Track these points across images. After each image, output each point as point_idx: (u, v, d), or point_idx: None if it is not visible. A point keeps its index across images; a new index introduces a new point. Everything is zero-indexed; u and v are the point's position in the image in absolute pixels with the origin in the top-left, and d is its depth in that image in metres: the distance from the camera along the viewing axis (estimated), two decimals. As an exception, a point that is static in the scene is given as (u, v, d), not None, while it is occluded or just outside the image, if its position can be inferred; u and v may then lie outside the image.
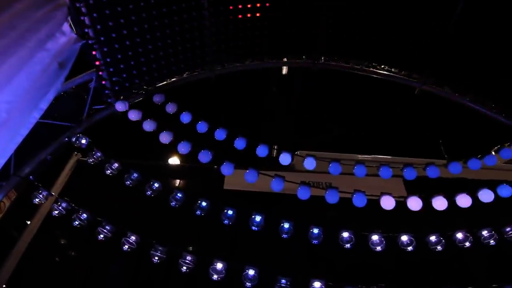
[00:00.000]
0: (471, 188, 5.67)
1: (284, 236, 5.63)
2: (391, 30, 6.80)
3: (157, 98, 6.79)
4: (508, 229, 5.56)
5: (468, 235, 5.52)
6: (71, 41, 5.71)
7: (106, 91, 6.70)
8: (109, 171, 6.30)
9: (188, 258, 5.47)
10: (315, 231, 5.62)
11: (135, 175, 6.27)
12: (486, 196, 5.54)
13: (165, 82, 7.37)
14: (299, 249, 7.04)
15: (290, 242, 5.63)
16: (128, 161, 7.11)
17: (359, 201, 5.46)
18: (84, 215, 5.80)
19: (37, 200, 6.06)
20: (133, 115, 6.48)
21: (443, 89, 7.16)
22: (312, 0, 6.65)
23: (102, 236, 5.71)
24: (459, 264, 7.36)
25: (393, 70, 7.39)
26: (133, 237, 5.68)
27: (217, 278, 5.27)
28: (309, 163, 5.96)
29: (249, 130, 6.87)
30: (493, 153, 6.07)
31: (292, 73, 9.22)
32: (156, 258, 5.52)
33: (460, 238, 5.56)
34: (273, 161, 6.58)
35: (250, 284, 5.17)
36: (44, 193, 6.07)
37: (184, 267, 5.41)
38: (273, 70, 9.10)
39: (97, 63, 6.33)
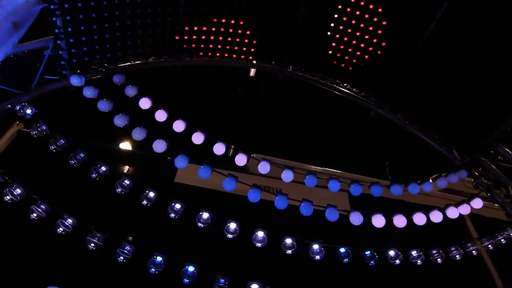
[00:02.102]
0: (408, 210, 6.11)
1: (229, 236, 5.64)
2: (358, 52, 7.11)
3: (117, 79, 6.47)
4: (434, 251, 6.06)
5: (399, 253, 5.93)
6: (31, 2, 5.27)
7: (62, 62, 6.26)
8: (53, 147, 5.90)
9: (127, 248, 5.28)
10: (260, 234, 5.70)
11: (82, 155, 5.94)
12: (419, 219, 6.02)
13: (128, 64, 7.05)
14: (242, 250, 7.07)
15: (234, 242, 5.64)
16: (75, 139, 6.71)
17: (306, 210, 5.64)
18: (18, 190, 5.37)
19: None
20: (89, 92, 6.11)
21: (396, 115, 7.63)
22: (288, 8, 6.76)
23: (35, 215, 5.31)
24: (387, 279, 7.85)
25: (354, 90, 7.73)
26: (69, 220, 5.36)
27: (155, 271, 5.13)
28: (264, 167, 6.03)
29: (209, 126, 6.80)
30: (430, 180, 6.58)
31: (259, 76, 9.28)
32: (92, 244, 5.26)
33: (392, 255, 5.96)
34: (228, 160, 6.57)
35: (188, 280, 5.11)
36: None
37: (121, 257, 5.21)
38: (241, 71, 9.10)
39: (56, 30, 5.91)
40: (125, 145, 10.34)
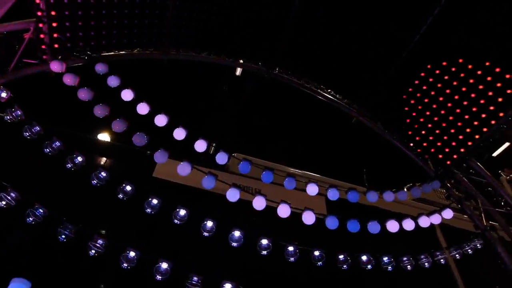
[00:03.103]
0: (382, 217, 6.26)
1: (205, 234, 5.60)
2: (345, 61, 7.23)
3: (100, 68, 6.30)
4: (404, 258, 6.23)
5: (371, 258, 6.06)
6: (13, -19, 5.08)
7: (43, 47, 6.05)
8: (27, 134, 5.69)
9: (100, 241, 5.16)
10: (237, 234, 5.69)
11: (57, 143, 5.75)
12: (392, 226, 6.17)
13: (112, 53, 6.90)
14: (218, 249, 7.04)
15: (210, 241, 5.61)
16: (52, 127, 6.50)
17: (283, 211, 5.67)
18: (-13, 176, 5.15)
19: None
20: (69, 79, 5.92)
21: (376, 124, 7.81)
22: (279, 10, 6.79)
23: (4, 203, 5.10)
24: (358, 283, 8.00)
25: (337, 96, 7.85)
26: (40, 210, 5.17)
27: (127, 266, 5.03)
28: (244, 167, 6.03)
29: (191, 123, 6.73)
30: (405, 189, 6.75)
31: (245, 76, 9.27)
32: (63, 236, 5.10)
33: (364, 260, 6.09)
34: (209, 158, 6.54)
35: (161, 277, 5.04)
36: None
37: (93, 251, 5.08)
38: (227, 69, 9.07)
39: (39, 13, 5.71)
40: (104, 137, 10.10)
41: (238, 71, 9.86)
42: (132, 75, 6.79)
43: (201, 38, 7.17)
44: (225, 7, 6.72)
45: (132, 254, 5.12)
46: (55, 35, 6.04)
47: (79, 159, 5.76)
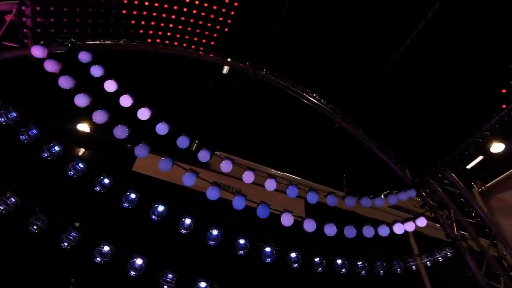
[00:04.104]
0: (358, 222, 6.38)
1: (183, 231, 5.56)
2: (332, 67, 7.32)
3: (83, 56, 6.13)
4: (378, 263, 6.37)
5: (346, 262, 6.17)
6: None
7: (25, 30, 5.85)
8: (3, 119, 5.47)
9: (73, 234, 5.03)
10: (214, 232, 5.67)
11: (34, 131, 5.57)
12: (368, 232, 6.30)
13: (97, 42, 6.74)
14: (195, 247, 7.01)
15: (187, 238, 5.57)
16: (29, 114, 6.29)
17: (262, 212, 5.69)
18: (-44, 161, 4.94)
19: None
20: (50, 66, 5.74)
21: (358, 131, 7.95)
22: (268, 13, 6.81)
23: (-27, 190, 4.90)
24: (332, 286, 8.11)
25: (322, 101, 7.95)
26: (12, 199, 5.00)
27: (101, 261, 4.93)
28: (226, 166, 6.01)
29: (175, 118, 6.66)
30: (382, 196, 6.91)
31: (232, 75, 9.24)
32: (35, 227, 4.94)
33: (339, 264, 6.19)
34: (191, 155, 6.48)
35: (135, 273, 4.96)
36: None
37: (66, 243, 4.95)
38: (215, 67, 9.01)
39: (22, -5, 5.52)
40: (83, 127, 9.84)
41: (225, 69, 9.82)
42: (116, 66, 6.64)
43: (189, 33, 7.10)
44: (216, 3, 6.68)
45: (106, 248, 5.02)
46: (38, 19, 5.85)
47: (56, 148, 5.59)
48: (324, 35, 6.94)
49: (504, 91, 6.09)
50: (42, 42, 5.96)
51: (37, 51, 5.72)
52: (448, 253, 6.86)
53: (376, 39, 6.71)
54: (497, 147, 8.62)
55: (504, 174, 7.71)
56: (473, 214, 7.36)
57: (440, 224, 7.50)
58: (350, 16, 6.58)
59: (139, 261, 5.06)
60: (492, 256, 7.00)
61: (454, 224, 7.34)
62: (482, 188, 8.01)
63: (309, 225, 5.96)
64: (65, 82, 5.71)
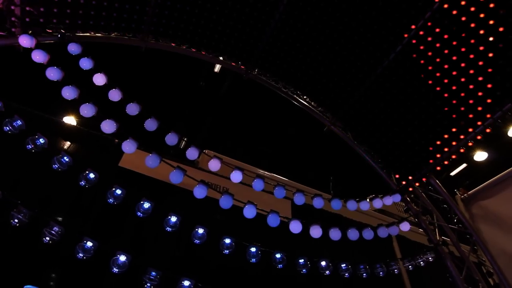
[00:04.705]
0: (344, 225, 6.45)
1: (168, 229, 5.51)
2: (323, 70, 7.38)
3: (73, 48, 6.03)
4: (361, 266, 6.45)
5: (330, 264, 6.22)
6: None
7: (13, 18, 5.71)
8: (-14, 109, 5.34)
9: (55, 228, 4.93)
10: (200, 231, 5.65)
11: (19, 122, 5.45)
12: (353, 235, 6.37)
13: (87, 34, 6.62)
14: (180, 245, 6.96)
15: (172, 236, 5.53)
16: (14, 104, 6.15)
17: (249, 212, 5.69)
18: None
19: None
20: (38, 56, 5.63)
21: (347, 134, 8.03)
22: (262, 13, 6.81)
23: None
24: (315, 287, 8.16)
25: (312, 103, 8.00)
26: (-7, 191, 4.87)
27: (83, 256, 4.85)
28: (214, 164, 5.99)
29: (164, 115, 6.61)
30: (368, 200, 6.99)
31: (224, 74, 9.24)
32: (16, 220, 4.83)
33: (323, 266, 6.24)
34: (179, 152, 6.44)
35: (118, 270, 4.89)
36: None
37: (47, 237, 4.85)
38: (206, 65, 8.98)
39: (11, -17, 5.39)
40: (70, 120, 9.69)
41: (217, 67, 9.80)
42: (106, 60, 6.57)
43: (183, 30, 7.05)
44: (210, 1, 6.65)
45: (89, 244, 4.94)
46: (27, 8, 5.72)
47: (41, 140, 5.48)
48: (317, 39, 7.00)
49: (489, 101, 6.25)
50: (30, 31, 5.82)
51: (25, 41, 5.60)
52: (430, 258, 6.99)
53: (368, 46, 6.81)
54: (480, 156, 8.85)
55: (486, 182, 7.91)
56: (455, 220, 7.52)
57: (423, 229, 7.64)
58: (343, 22, 6.64)
59: (122, 258, 4.99)
60: (472, 262, 7.17)
61: (437, 230, 7.48)
62: (465, 195, 8.20)
63: (295, 227, 6.00)
64: (53, 74, 5.61)
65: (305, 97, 7.98)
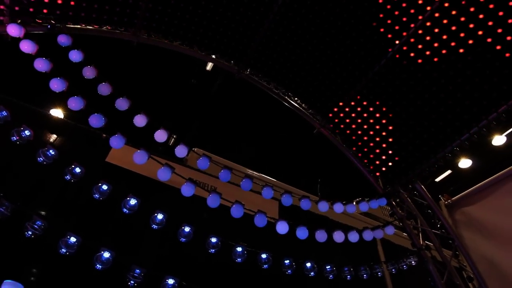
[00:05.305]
0: (330, 227, 6.51)
1: (154, 226, 5.47)
2: (315, 72, 7.42)
3: (63, 39, 5.93)
4: (346, 268, 6.51)
5: (315, 266, 6.27)
6: None
7: (1, 7, 5.58)
8: (-31, 98, 5.20)
9: (38, 222, 4.84)
10: (186, 229, 5.62)
11: (4, 113, 5.33)
12: (338, 237, 6.44)
13: (78, 26, 6.51)
14: (165, 243, 6.91)
15: (157, 233, 5.49)
16: (0, 95, 6.01)
17: (236, 211, 5.70)
18: None
19: None
20: (27, 46, 5.52)
21: (336, 137, 8.09)
22: (256, 13, 6.81)
23: None
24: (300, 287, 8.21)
25: (303, 105, 8.03)
26: (-25, 183, 4.76)
27: (66, 252, 4.77)
28: (203, 163, 5.97)
29: (154, 111, 6.54)
30: (354, 203, 7.07)
31: (216, 72, 9.19)
32: (-2, 213, 4.72)
33: (308, 267, 6.28)
34: (168, 149, 6.40)
35: (101, 266, 4.83)
36: None
37: (30, 232, 4.76)
38: (198, 62, 8.93)
39: (1, -30, 5.27)
40: (57, 112, 9.50)
41: (209, 66, 9.76)
42: (97, 53, 6.46)
43: (176, 26, 6.99)
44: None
45: (73, 239, 4.86)
46: (17, -4, 5.60)
47: (27, 132, 5.38)
48: (310, 42, 7.03)
49: (475, 110, 6.38)
50: (19, 21, 5.71)
51: (13, 30, 5.50)
52: (413, 262, 7.11)
53: (359, 51, 6.87)
54: (465, 163, 9.03)
55: (469, 189, 8.07)
56: (439, 225, 7.66)
57: (407, 233, 7.75)
58: (336, 26, 6.70)
59: (106, 255, 4.93)
60: (453, 267, 7.31)
61: (420, 234, 7.60)
62: (449, 201, 8.35)
63: (282, 227, 6.03)
64: (41, 65, 5.51)
65: (296, 98, 8.01)
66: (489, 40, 5.85)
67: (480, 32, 5.85)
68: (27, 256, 5.80)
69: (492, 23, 5.72)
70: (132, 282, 4.95)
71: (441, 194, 8.57)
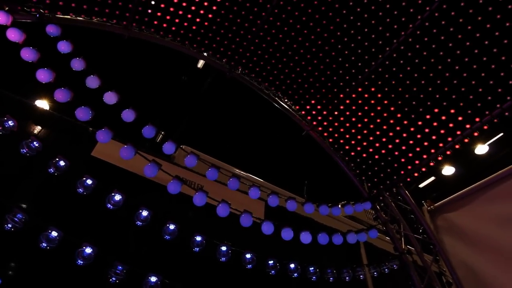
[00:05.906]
0: (314, 229, 6.56)
1: (139, 223, 5.41)
2: (306, 74, 7.46)
3: (52, 29, 5.80)
4: (328, 270, 6.58)
5: (299, 267, 6.31)
6: None
7: (-12, -7, 5.44)
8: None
9: (19, 215, 4.73)
10: (171, 227, 5.58)
11: (-13, 102, 5.20)
12: (323, 239, 6.49)
13: (68, 17, 6.39)
14: (149, 240, 6.83)
15: (142, 231, 5.43)
16: (-17, 83, 5.83)
17: (222, 211, 5.69)
18: None
19: None
20: (14, 35, 5.39)
21: (324, 140, 8.16)
22: (249, 13, 6.81)
23: None
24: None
25: (293, 107, 8.07)
26: (-47, 172, 4.62)
27: (47, 246, 4.67)
28: (190, 160, 5.93)
29: (142, 106, 6.47)
30: (339, 206, 7.14)
31: (207, 70, 9.15)
32: (-24, 205, 4.59)
33: (292, 268, 6.32)
34: (155, 146, 6.34)
35: (82, 262, 4.75)
36: None
37: (10, 225, 4.64)
38: (190, 59, 8.86)
39: (-11, -45, 5.13)
40: (42, 104, 9.31)
41: (200, 63, 9.72)
42: (86, 45, 6.36)
43: (168, 21, 6.93)
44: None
45: (54, 234, 4.77)
46: (5, -17, 5.45)
47: (10, 123, 5.24)
48: (302, 44, 7.07)
49: (460, 118, 6.53)
50: (7, 8, 5.57)
51: (0, 17, 5.35)
52: (394, 266, 7.22)
53: (350, 56, 6.95)
54: (448, 170, 9.24)
55: (452, 196, 8.25)
56: (421, 230, 7.80)
57: (390, 237, 7.87)
58: (328, 30, 6.75)
59: (88, 250, 4.85)
60: (433, 272, 7.45)
61: (403, 239, 7.73)
62: (431, 206, 8.51)
63: (267, 228, 6.05)
64: (28, 54, 5.39)
65: (286, 100, 8.05)
66: (476, 51, 5.99)
67: (467, 43, 5.98)
68: (5, 249, 5.66)
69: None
70: (114, 278, 4.89)
71: (424, 200, 8.73)
